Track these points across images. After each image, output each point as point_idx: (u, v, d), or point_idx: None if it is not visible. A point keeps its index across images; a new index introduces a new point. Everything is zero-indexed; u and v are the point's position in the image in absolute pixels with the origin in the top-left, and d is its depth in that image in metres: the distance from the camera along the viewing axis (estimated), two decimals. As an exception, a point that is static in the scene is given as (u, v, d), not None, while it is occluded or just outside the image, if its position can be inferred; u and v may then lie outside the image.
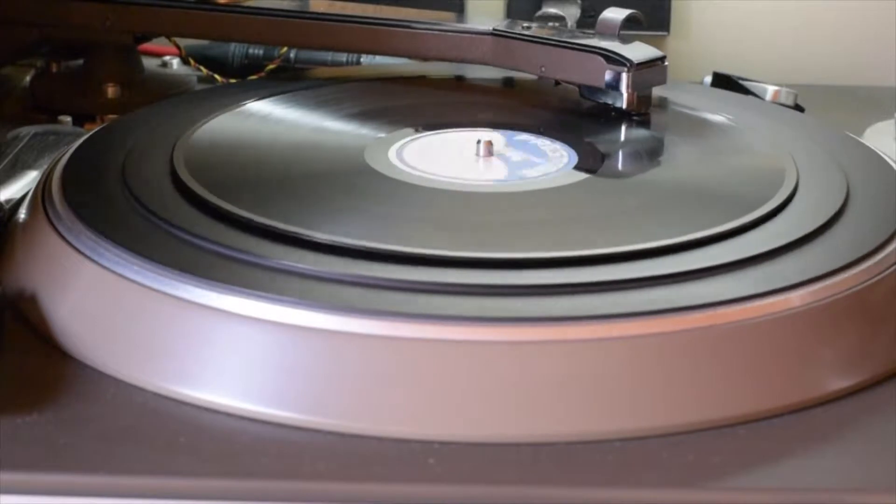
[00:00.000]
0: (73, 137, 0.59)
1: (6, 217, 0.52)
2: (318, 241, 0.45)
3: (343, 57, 0.76)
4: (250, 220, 0.46)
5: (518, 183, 0.52)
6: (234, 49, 0.77)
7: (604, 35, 0.62)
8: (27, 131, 0.61)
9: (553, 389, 0.40)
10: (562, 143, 0.57)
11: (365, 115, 0.60)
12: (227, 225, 0.47)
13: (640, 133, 0.60)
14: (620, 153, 0.58)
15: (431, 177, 0.53)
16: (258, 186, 0.51)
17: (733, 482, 0.38)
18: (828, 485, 0.38)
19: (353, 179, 0.52)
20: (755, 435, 0.40)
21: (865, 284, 0.45)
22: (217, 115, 0.59)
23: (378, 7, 0.69)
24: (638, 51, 0.60)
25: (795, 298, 0.43)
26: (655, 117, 0.61)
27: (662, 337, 0.41)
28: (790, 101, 0.68)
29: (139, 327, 0.43)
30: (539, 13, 0.67)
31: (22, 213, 0.52)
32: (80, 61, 0.74)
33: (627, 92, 0.60)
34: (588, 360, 0.40)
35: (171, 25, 0.70)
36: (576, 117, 0.61)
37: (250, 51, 0.77)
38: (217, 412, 0.41)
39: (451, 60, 0.67)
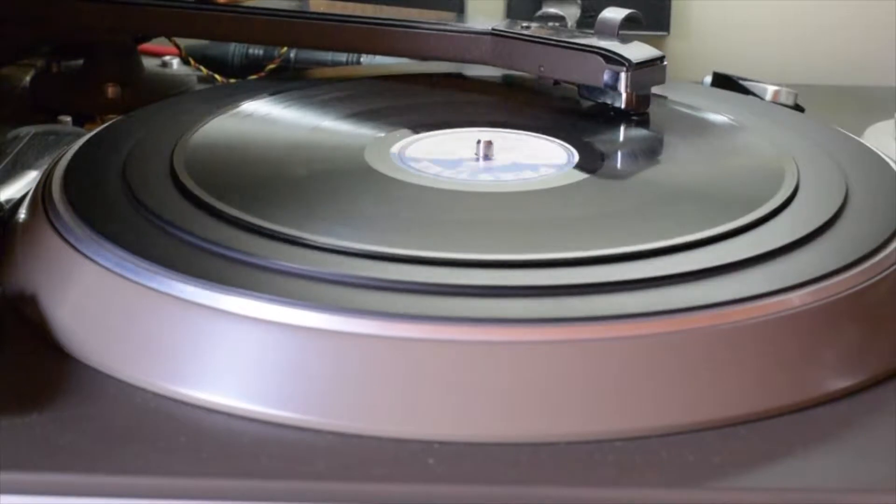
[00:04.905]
0: (73, 137, 0.59)
1: (6, 217, 0.52)
2: (318, 241, 0.45)
3: (343, 57, 0.76)
4: (250, 221, 0.46)
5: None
6: (234, 49, 0.77)
7: (603, 35, 0.62)
8: (27, 131, 0.61)
9: (553, 389, 0.40)
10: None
11: (365, 115, 0.60)
12: (228, 225, 0.47)
13: (640, 133, 0.60)
14: (620, 153, 0.58)
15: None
16: (258, 186, 0.51)
17: (733, 482, 0.38)
18: (828, 485, 0.38)
19: (353, 179, 0.52)
20: (755, 435, 0.40)
21: (865, 284, 0.45)
22: (217, 116, 0.59)
23: (378, 7, 0.69)
24: (637, 50, 0.60)
25: (795, 299, 0.43)
26: (655, 117, 0.61)
27: (662, 337, 0.41)
28: (790, 101, 0.68)
29: (139, 327, 0.43)
30: (539, 13, 0.67)
31: (22, 213, 0.52)
32: (80, 61, 0.74)
33: (626, 92, 0.59)
34: (588, 361, 0.40)
35: (171, 25, 0.70)
36: (575, 117, 0.61)
37: (250, 51, 0.77)
38: (217, 412, 0.40)
39: (450, 60, 0.67)
